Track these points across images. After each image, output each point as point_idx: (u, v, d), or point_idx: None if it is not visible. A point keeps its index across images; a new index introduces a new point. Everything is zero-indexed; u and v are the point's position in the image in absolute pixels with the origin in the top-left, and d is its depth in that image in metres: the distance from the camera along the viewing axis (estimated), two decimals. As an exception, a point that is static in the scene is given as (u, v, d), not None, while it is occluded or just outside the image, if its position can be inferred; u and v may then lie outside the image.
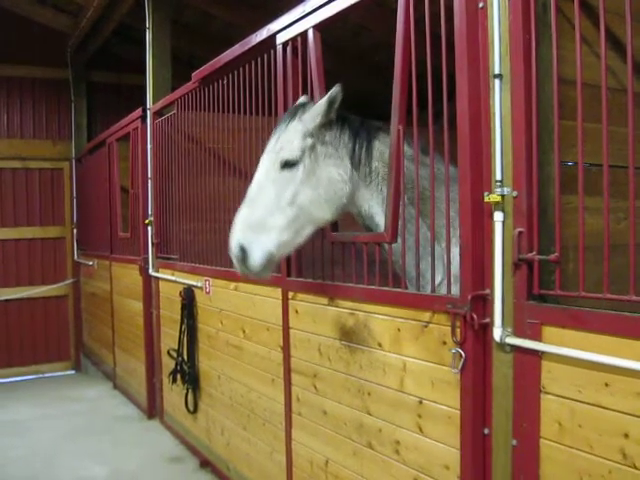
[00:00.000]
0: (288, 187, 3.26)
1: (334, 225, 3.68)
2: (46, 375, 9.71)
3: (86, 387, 8.90)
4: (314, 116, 3.32)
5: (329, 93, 3.27)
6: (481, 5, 2.63)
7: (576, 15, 2.33)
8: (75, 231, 9.99)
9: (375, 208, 3.40)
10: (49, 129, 9.90)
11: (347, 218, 3.79)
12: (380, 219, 3.36)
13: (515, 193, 2.49)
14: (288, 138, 3.33)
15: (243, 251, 3.19)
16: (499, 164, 2.54)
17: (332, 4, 3.49)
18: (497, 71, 2.53)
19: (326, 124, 3.34)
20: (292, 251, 3.50)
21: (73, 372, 10.04)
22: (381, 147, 3.37)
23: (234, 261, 3.26)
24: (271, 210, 3.23)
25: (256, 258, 3.19)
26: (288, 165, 3.28)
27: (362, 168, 3.39)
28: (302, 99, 3.61)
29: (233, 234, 3.25)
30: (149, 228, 6.79)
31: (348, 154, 3.37)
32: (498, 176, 2.54)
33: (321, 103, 3.31)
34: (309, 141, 3.31)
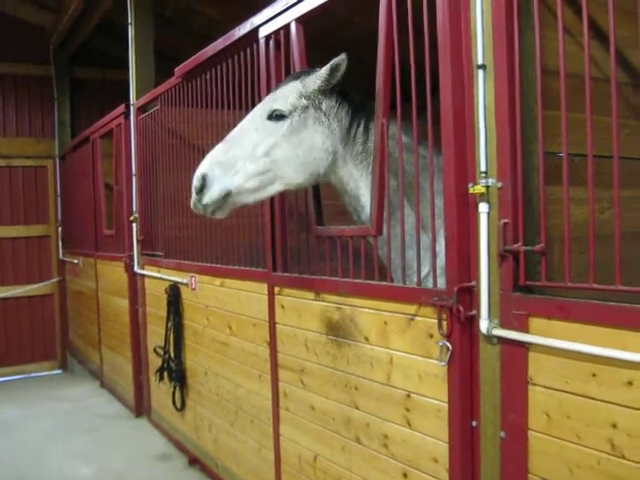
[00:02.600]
0: (268, 137, 3.25)
1: (319, 219, 3.66)
2: (32, 375, 9.63)
3: (73, 386, 8.85)
4: (315, 79, 3.31)
5: (334, 60, 3.25)
6: (464, -5, 2.62)
7: (558, 5, 2.33)
8: (60, 229, 9.92)
9: (363, 189, 3.38)
10: (32, 127, 9.80)
11: (333, 211, 3.78)
12: (366, 201, 3.34)
13: (500, 184, 2.48)
14: (284, 93, 3.33)
15: (204, 180, 3.18)
16: (483, 155, 2.52)
17: (314, -4, 3.47)
18: (480, 61, 2.52)
19: (326, 92, 3.32)
20: (252, 202, 3.39)
21: (60, 371, 9.97)
22: None
23: (192, 191, 3.24)
24: (245, 155, 3.22)
25: (213, 191, 3.18)
26: (275, 117, 3.27)
27: (355, 146, 3.37)
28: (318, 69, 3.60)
29: (200, 165, 3.24)
30: (134, 225, 6.74)
31: (341, 128, 3.35)
32: (483, 167, 2.52)
33: (324, 68, 3.29)
34: (304, 101, 3.29)
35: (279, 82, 3.58)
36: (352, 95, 3.43)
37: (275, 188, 3.31)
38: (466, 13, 2.61)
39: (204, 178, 3.18)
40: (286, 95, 3.31)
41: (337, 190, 3.52)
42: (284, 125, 3.26)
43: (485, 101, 2.52)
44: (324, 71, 3.28)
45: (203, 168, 3.22)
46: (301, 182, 3.36)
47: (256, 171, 3.21)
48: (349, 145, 3.36)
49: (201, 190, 3.19)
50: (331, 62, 3.25)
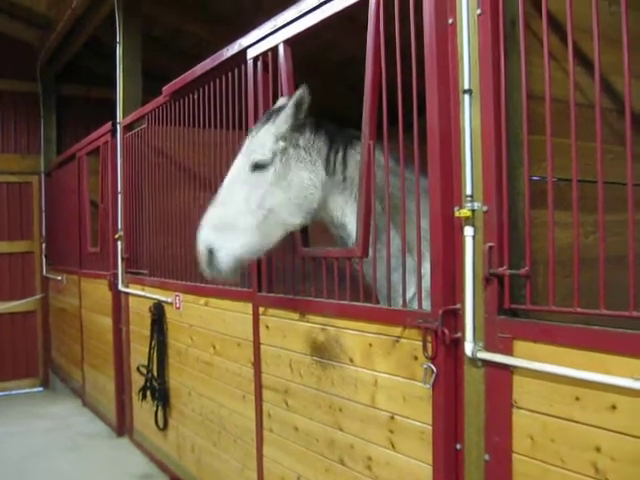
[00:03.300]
0: (258, 189, 3.26)
1: (305, 239, 3.66)
2: (13, 392, 9.53)
3: (54, 404, 8.75)
4: (284, 119, 3.32)
5: (295, 95, 3.28)
6: (450, 21, 2.65)
7: (544, 31, 2.36)
8: (44, 246, 9.86)
9: (348, 217, 3.39)
10: (18, 143, 9.77)
11: (318, 230, 3.78)
12: (352, 227, 3.34)
13: (485, 208, 2.49)
14: (260, 140, 3.34)
15: (210, 252, 3.20)
16: (469, 179, 2.54)
17: (303, 19, 3.50)
18: (467, 86, 2.55)
19: (299, 128, 3.34)
20: (261, 254, 3.48)
21: (41, 389, 9.86)
22: (357, 156, 3.36)
23: (201, 262, 3.25)
24: (240, 212, 3.23)
25: (224, 260, 3.20)
26: (259, 167, 3.29)
27: (337, 175, 3.39)
28: (281, 101, 3.59)
29: (200, 234, 3.25)
30: (119, 243, 6.72)
31: (322, 160, 3.37)
32: (468, 191, 2.54)
33: (289, 106, 3.31)
34: (281, 144, 3.31)
35: (253, 127, 3.58)
36: (325, 124, 3.45)
37: (277, 234, 3.33)
38: (453, 38, 2.64)
39: (209, 250, 3.20)
40: (263, 142, 3.32)
41: (326, 223, 3.53)
42: (269, 173, 3.28)
43: (471, 125, 2.55)
44: (290, 108, 3.30)
45: (204, 238, 3.23)
46: (300, 222, 3.38)
47: (256, 224, 3.22)
48: (330, 174, 3.38)
49: (210, 261, 3.21)
50: (293, 98, 3.28)
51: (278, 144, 3.31)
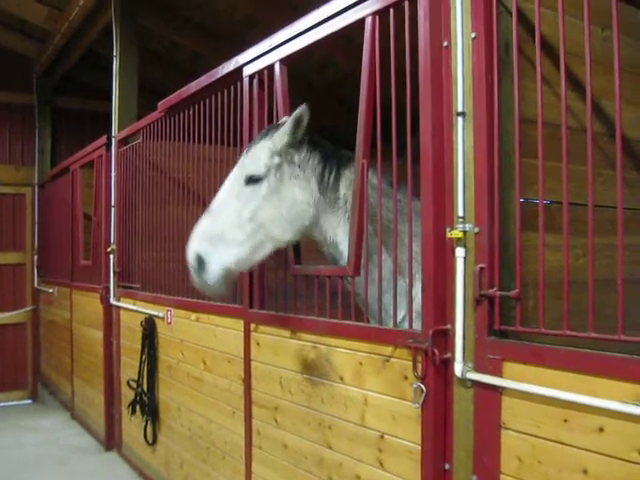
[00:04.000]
0: (250, 203, 3.28)
1: (297, 257, 3.67)
2: (1, 405, 9.46)
3: (43, 417, 8.69)
4: (282, 135, 3.34)
5: (294, 113, 3.28)
6: (445, 44, 2.68)
7: (537, 56, 2.38)
8: (36, 258, 9.83)
9: (340, 236, 3.40)
10: (12, 154, 9.76)
11: (310, 248, 3.79)
12: (344, 247, 3.35)
13: (477, 229, 2.51)
14: (256, 154, 3.36)
15: (200, 261, 3.22)
16: (461, 200, 2.56)
17: (299, 38, 3.53)
18: (460, 109, 2.57)
19: (295, 145, 3.35)
20: (250, 267, 3.50)
21: (30, 401, 9.80)
22: (351, 176, 3.36)
23: (190, 272, 3.27)
24: (231, 224, 3.25)
25: (213, 271, 3.22)
26: (252, 181, 3.30)
27: (330, 194, 3.40)
28: (283, 119, 3.61)
29: (191, 243, 3.27)
30: (111, 256, 6.71)
31: (316, 178, 3.38)
32: (460, 212, 2.56)
33: (287, 123, 3.32)
34: (276, 160, 3.32)
35: (251, 141, 3.61)
36: (322, 143, 3.47)
37: (267, 249, 3.34)
38: (447, 60, 2.67)
39: (199, 259, 3.23)
40: (258, 156, 3.35)
41: (318, 241, 3.54)
42: (262, 187, 3.30)
43: (464, 147, 2.57)
44: (288, 125, 3.31)
45: (195, 246, 3.26)
46: (290, 238, 3.39)
47: (245, 237, 3.25)
48: (324, 193, 3.39)
49: (199, 270, 3.24)
50: (293, 115, 3.29)
51: (273, 159, 3.32)
